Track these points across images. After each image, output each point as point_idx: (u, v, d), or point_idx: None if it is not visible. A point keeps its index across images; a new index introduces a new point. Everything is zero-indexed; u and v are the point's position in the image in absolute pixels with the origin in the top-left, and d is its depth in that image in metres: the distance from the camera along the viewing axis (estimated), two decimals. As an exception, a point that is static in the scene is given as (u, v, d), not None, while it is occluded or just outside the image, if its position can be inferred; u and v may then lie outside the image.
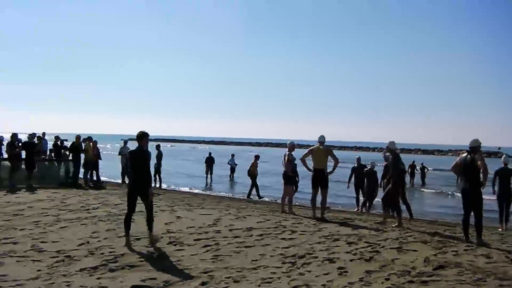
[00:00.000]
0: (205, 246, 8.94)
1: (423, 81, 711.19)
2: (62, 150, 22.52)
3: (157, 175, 23.56)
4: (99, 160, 22.10)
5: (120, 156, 24.50)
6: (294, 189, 19.28)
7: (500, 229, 13.61)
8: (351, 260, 8.16)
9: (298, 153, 14.41)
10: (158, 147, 24.09)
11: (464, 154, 10.52)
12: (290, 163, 14.49)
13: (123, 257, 7.91)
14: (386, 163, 13.92)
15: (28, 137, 20.29)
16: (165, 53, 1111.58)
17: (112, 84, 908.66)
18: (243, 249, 8.76)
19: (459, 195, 11.00)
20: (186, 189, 24.80)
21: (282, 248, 8.95)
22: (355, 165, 18.35)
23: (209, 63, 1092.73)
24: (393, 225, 12.25)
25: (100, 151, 22.69)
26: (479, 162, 10.08)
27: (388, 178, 12.81)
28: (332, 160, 13.45)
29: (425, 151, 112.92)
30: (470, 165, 10.23)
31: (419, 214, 18.26)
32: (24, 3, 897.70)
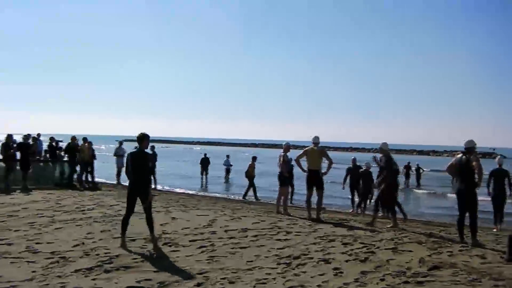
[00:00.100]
0: (201, 247, 8.94)
1: (419, 82, 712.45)
2: (57, 151, 22.47)
3: (151, 176, 23.49)
4: (94, 161, 22.06)
5: (115, 157, 24.46)
6: (291, 190, 19.38)
7: (495, 230, 13.64)
8: (346, 261, 8.17)
9: (293, 154, 14.41)
10: (152, 148, 24.10)
11: (459, 155, 10.54)
12: (285, 164, 14.50)
13: (118, 258, 7.90)
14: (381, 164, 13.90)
15: (23, 138, 20.24)
16: (159, 53, 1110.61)
17: (108, 84, 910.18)
18: (238, 250, 8.76)
19: (454, 196, 11.01)
20: (181, 190, 24.82)
21: (277, 249, 8.96)
22: (351, 165, 18.36)
23: (204, 64, 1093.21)
24: (388, 226, 12.27)
25: (95, 151, 22.61)
26: (474, 163, 10.11)
27: (381, 178, 12.79)
28: (327, 161, 13.47)
29: (421, 152, 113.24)
30: (465, 166, 10.26)
31: (414, 215, 18.31)
32: (24, 3, 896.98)
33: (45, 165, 21.94)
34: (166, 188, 25.26)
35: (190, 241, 9.45)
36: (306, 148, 13.61)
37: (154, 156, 24.09)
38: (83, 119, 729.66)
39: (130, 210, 9.06)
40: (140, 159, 9.04)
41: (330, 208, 18.29)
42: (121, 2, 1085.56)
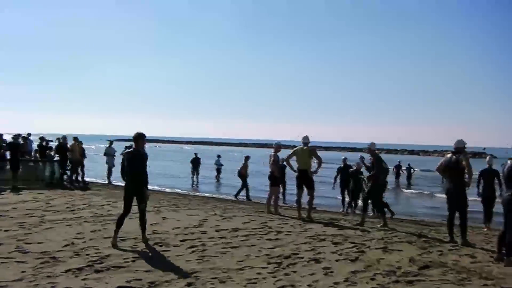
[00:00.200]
0: (191, 247, 8.93)
1: (409, 82, 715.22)
2: (47, 151, 22.40)
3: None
4: (84, 159, 22.03)
5: (105, 156, 24.42)
6: (283, 189, 19.42)
7: (484, 229, 13.70)
8: (336, 260, 8.19)
9: (284, 154, 14.42)
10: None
11: (449, 155, 10.58)
12: (276, 164, 14.51)
13: (109, 258, 7.88)
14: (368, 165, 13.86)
15: (12, 138, 20.15)
16: (151, 54, 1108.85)
17: (97, 84, 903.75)
18: (229, 250, 8.76)
19: (442, 195, 11.07)
20: (172, 190, 24.76)
21: (268, 248, 8.97)
22: (341, 165, 18.40)
23: (193, 64, 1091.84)
24: (379, 225, 12.30)
25: (85, 151, 22.56)
26: (464, 163, 10.15)
27: (371, 178, 12.81)
28: (316, 161, 13.49)
29: (411, 152, 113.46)
30: (455, 166, 10.29)
31: (404, 214, 18.35)
32: (18, 4, 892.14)
33: (35, 164, 21.85)
34: (157, 188, 25.16)
35: (180, 241, 9.44)
36: (295, 148, 13.62)
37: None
38: (74, 119, 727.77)
39: (126, 210, 9.10)
40: (137, 159, 9.10)
41: (320, 207, 18.31)
42: (117, 5, 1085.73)
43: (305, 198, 13.53)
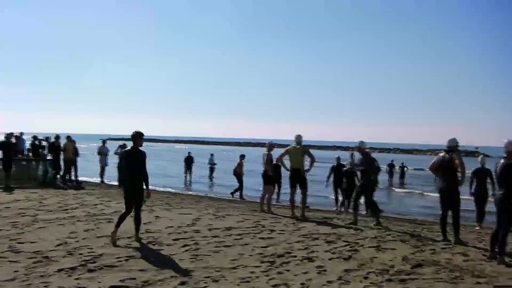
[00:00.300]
0: (184, 245, 8.92)
1: (403, 81, 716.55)
2: (40, 150, 22.34)
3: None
4: (78, 159, 21.97)
5: (99, 155, 24.36)
6: (277, 188, 19.47)
7: (477, 228, 13.75)
8: (330, 259, 8.20)
9: (277, 153, 14.42)
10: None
11: (442, 154, 10.60)
12: (269, 163, 14.51)
13: (102, 257, 7.86)
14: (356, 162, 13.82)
15: (5, 137, 20.06)
16: (151, 53, 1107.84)
17: (89, 84, 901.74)
18: (222, 249, 8.75)
19: (433, 194, 11.10)
20: (165, 189, 24.70)
21: (261, 247, 8.97)
22: (334, 164, 18.42)
23: (193, 64, 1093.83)
24: (372, 224, 12.31)
25: (78, 150, 22.49)
26: (456, 161, 10.17)
27: (362, 177, 12.79)
28: (309, 160, 13.48)
29: (404, 151, 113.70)
30: (448, 165, 10.32)
31: (397, 213, 18.41)
32: (18, 4, 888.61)
33: (28, 163, 21.77)
34: (150, 187, 24.86)
35: (173, 240, 9.43)
36: (288, 147, 13.61)
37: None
38: (74, 119, 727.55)
39: (128, 209, 9.13)
40: (136, 158, 9.13)
41: (313, 206, 18.31)
42: (117, 5, 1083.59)
43: (298, 197, 13.53)
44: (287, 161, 13.66)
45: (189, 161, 32.29)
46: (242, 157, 22.83)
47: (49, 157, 21.52)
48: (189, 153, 33.13)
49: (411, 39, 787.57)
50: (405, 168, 35.53)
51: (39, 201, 14.29)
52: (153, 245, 8.96)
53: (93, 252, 8.19)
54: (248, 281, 6.82)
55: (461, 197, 10.47)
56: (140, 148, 9.29)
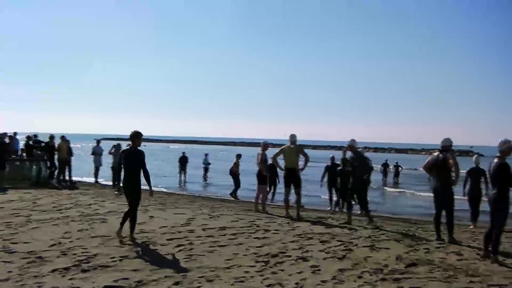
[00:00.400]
0: (178, 245, 8.92)
1: (397, 81, 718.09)
2: (34, 150, 22.28)
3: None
4: (72, 159, 21.93)
5: (93, 155, 24.30)
6: (272, 188, 19.49)
7: (471, 227, 13.79)
8: (324, 259, 8.21)
9: (272, 152, 14.42)
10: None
11: (436, 153, 10.62)
12: (263, 163, 14.50)
13: (96, 257, 7.85)
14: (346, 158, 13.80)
15: (-1, 137, 20.03)
16: (151, 53, 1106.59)
17: (97, 84, 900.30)
18: (217, 249, 8.75)
19: (425, 194, 11.12)
20: (159, 189, 24.62)
21: (256, 247, 8.97)
22: (329, 164, 18.42)
23: (193, 64, 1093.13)
24: (366, 224, 12.32)
25: (72, 150, 22.44)
26: (450, 161, 10.19)
27: (355, 176, 12.78)
28: (303, 158, 13.47)
29: (399, 150, 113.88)
30: (442, 164, 10.34)
31: (391, 212, 18.44)
32: (18, 4, 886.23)
33: (22, 163, 21.70)
34: (144, 187, 24.82)
35: (168, 239, 9.42)
36: (283, 147, 13.59)
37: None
38: (74, 119, 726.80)
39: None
40: (132, 157, 9.23)
41: (308, 206, 18.31)
42: (113, 6, 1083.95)
43: (293, 197, 13.54)
44: (281, 161, 13.66)
45: (183, 161, 32.26)
46: (239, 156, 22.82)
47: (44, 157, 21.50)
48: (183, 153, 33.10)
49: (407, 39, 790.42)
50: (399, 168, 35.53)
51: (33, 201, 14.25)
52: (147, 245, 8.95)
53: (87, 252, 8.18)
54: (242, 281, 6.82)
55: (454, 196, 10.49)
56: (139, 147, 9.38)
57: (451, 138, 10.59)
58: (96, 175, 24.27)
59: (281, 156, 13.48)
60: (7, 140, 21.28)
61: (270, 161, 14.72)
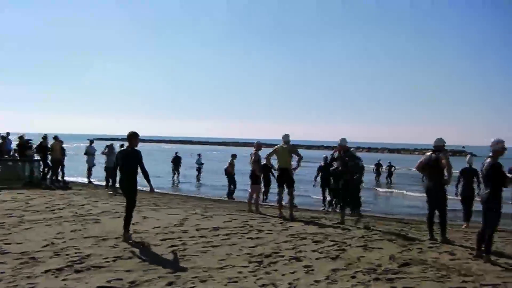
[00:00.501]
0: (172, 246, 8.90)
1: (390, 80, 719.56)
2: (27, 150, 22.21)
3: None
4: (65, 159, 21.88)
5: (86, 155, 24.25)
6: (266, 188, 19.50)
7: (464, 226, 13.84)
8: (317, 259, 8.21)
9: (265, 152, 14.42)
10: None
11: (429, 153, 10.65)
12: (256, 163, 14.51)
13: (89, 258, 7.83)
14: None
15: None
16: (151, 53, 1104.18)
17: (97, 84, 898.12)
18: (210, 249, 8.74)
19: (422, 193, 11.14)
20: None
21: (249, 247, 8.96)
22: (322, 164, 18.44)
23: (180, 63, 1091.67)
24: (358, 223, 12.33)
25: (65, 150, 22.39)
26: (443, 161, 10.21)
27: (347, 176, 12.77)
28: (297, 158, 13.47)
29: (392, 150, 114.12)
30: (435, 164, 10.36)
31: (384, 212, 18.48)
32: (18, 4, 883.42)
33: (14, 164, 21.63)
34: (138, 187, 24.72)
35: (161, 240, 9.41)
36: (276, 147, 13.58)
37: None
38: (74, 119, 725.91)
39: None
40: (129, 157, 9.36)
41: (301, 206, 18.33)
42: (113, 6, 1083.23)
43: (286, 197, 13.54)
44: (274, 161, 13.66)
45: (176, 161, 32.25)
46: (234, 156, 22.80)
47: (36, 157, 21.45)
48: (176, 153, 33.10)
49: (399, 39, 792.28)
50: (392, 168, 35.60)
51: (26, 202, 14.20)
52: (141, 245, 8.93)
53: (80, 252, 8.15)
54: (235, 281, 6.82)
55: (447, 196, 10.52)
56: (136, 148, 9.50)
57: (443, 138, 10.63)
58: (89, 175, 24.23)
59: (274, 156, 13.47)
60: (-1, 140, 21.20)
61: (263, 161, 14.74)
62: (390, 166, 35.36)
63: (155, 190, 10.04)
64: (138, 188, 9.63)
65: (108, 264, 7.52)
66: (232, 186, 22.12)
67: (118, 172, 9.57)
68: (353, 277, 7.17)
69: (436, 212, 10.48)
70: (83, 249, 8.41)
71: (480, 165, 8.84)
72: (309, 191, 22.08)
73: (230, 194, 22.08)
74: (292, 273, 7.30)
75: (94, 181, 24.33)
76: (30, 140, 23.70)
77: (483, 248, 8.57)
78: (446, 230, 10.37)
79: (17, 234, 9.60)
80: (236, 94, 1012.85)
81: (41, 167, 21.49)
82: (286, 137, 13.39)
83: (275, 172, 13.82)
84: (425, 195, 10.88)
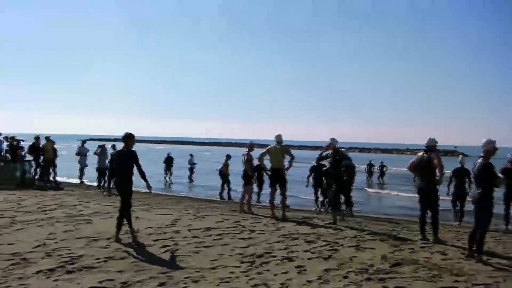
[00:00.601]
0: (164, 246, 8.90)
1: (382, 80, 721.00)
2: (18, 151, 22.13)
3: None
4: (56, 159, 21.83)
5: (78, 156, 24.18)
6: (258, 189, 19.49)
7: (456, 223, 13.92)
8: (309, 259, 8.22)
9: (257, 153, 14.42)
10: (114, 147, 23.84)
11: (421, 153, 10.67)
12: (249, 163, 14.51)
13: (81, 258, 7.81)
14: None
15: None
16: (151, 53, 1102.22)
17: (97, 84, 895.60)
18: (202, 249, 8.74)
19: (414, 194, 11.17)
20: (145, 190, 24.31)
21: (241, 247, 8.97)
22: (314, 164, 18.44)
23: (186, 63, 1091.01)
24: (348, 221, 12.35)
25: (57, 150, 22.33)
26: (435, 161, 10.23)
27: (338, 176, 12.79)
28: (289, 158, 13.47)
29: (383, 150, 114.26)
30: (427, 164, 10.38)
31: (376, 212, 18.50)
32: (18, 4, 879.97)
33: (6, 165, 21.54)
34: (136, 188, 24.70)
35: (153, 240, 9.40)
36: (269, 147, 13.58)
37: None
38: (74, 119, 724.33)
39: (128, 206, 9.43)
40: (125, 158, 9.37)
41: (293, 206, 18.33)
42: (113, 6, 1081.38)
43: (278, 198, 13.54)
44: (267, 161, 13.66)
45: (169, 162, 32.18)
46: (228, 157, 22.75)
47: (28, 158, 21.39)
48: (169, 153, 33.03)
49: (392, 39, 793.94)
50: (384, 168, 35.63)
51: (18, 202, 14.17)
52: (133, 246, 8.92)
53: (72, 253, 8.14)
54: (228, 282, 6.82)
55: (439, 197, 10.55)
56: (132, 148, 9.49)
57: (435, 138, 10.65)
58: (81, 175, 24.18)
59: (267, 156, 13.47)
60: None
61: (256, 162, 14.74)
62: (382, 166, 35.39)
63: (152, 190, 9.99)
64: (133, 188, 9.62)
65: (100, 264, 7.51)
66: (227, 187, 22.09)
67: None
68: (345, 277, 7.18)
69: (428, 212, 10.51)
70: (75, 249, 8.39)
71: (472, 165, 8.87)
72: (301, 191, 22.06)
73: (227, 195, 22.02)
74: (284, 273, 7.30)
75: (86, 181, 24.26)
76: (22, 140, 23.61)
77: (474, 248, 8.61)
78: (438, 230, 10.39)
79: (8, 235, 9.57)
80: (236, 94, 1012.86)
81: (33, 168, 21.42)
82: (279, 137, 13.39)
83: (268, 172, 13.80)
84: (417, 195, 10.91)
